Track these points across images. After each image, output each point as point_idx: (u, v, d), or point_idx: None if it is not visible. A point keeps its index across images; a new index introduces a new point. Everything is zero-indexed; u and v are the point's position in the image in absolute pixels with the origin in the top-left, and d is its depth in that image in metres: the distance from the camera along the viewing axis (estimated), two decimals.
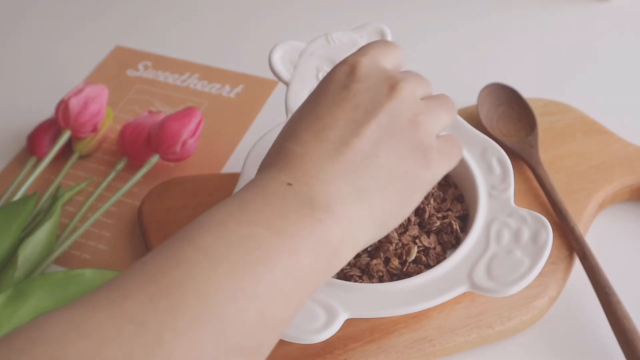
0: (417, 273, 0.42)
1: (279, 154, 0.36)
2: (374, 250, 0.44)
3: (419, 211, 0.46)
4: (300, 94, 0.51)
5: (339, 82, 0.38)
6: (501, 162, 0.46)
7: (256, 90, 0.66)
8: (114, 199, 0.54)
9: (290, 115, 0.46)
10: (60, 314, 0.28)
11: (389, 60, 0.40)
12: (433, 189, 0.47)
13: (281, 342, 0.39)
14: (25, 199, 0.51)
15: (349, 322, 0.40)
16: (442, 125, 0.40)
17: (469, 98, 0.58)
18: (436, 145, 0.38)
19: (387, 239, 0.44)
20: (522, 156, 0.53)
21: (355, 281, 0.43)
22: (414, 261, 0.44)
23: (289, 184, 0.34)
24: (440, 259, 0.44)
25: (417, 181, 0.37)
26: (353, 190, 0.35)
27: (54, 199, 0.52)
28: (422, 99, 0.40)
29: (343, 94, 0.38)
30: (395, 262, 0.43)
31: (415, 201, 0.38)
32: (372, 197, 0.36)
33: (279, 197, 0.33)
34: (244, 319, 0.30)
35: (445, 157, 0.39)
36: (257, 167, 0.47)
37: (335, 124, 0.36)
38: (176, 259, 0.30)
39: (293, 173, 0.35)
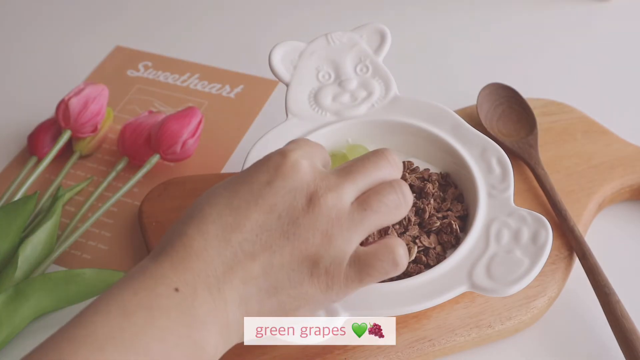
0: (417, 273, 0.42)
1: (179, 241, 0.35)
2: None
3: (419, 211, 0.46)
4: (300, 94, 0.51)
5: (265, 174, 0.37)
6: (501, 162, 0.46)
7: (256, 90, 0.66)
8: (114, 199, 0.54)
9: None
10: None
11: (318, 159, 0.39)
12: (433, 188, 0.47)
13: None
14: (25, 199, 0.50)
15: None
16: (364, 237, 0.37)
17: (469, 98, 0.58)
18: (346, 267, 0.36)
19: None
20: (522, 156, 0.53)
21: None
22: (414, 261, 0.44)
23: (177, 290, 0.33)
24: (440, 259, 0.44)
25: (309, 301, 0.36)
26: (238, 298, 0.34)
27: (54, 198, 0.52)
28: (360, 198, 0.37)
29: (264, 190, 0.36)
30: None
31: (299, 315, 0.37)
32: (254, 305, 0.35)
33: (163, 311, 0.32)
34: None
35: (352, 282, 0.36)
36: None
37: (244, 224, 0.35)
38: None
39: (184, 275, 0.34)
